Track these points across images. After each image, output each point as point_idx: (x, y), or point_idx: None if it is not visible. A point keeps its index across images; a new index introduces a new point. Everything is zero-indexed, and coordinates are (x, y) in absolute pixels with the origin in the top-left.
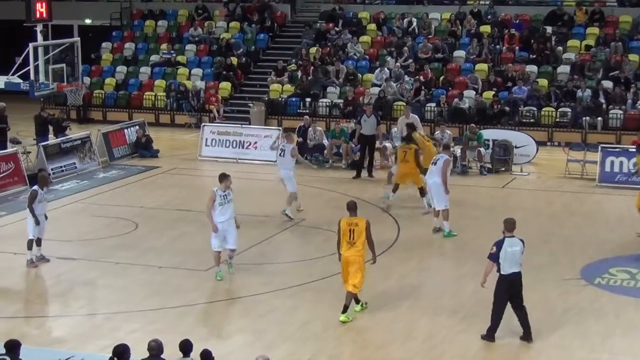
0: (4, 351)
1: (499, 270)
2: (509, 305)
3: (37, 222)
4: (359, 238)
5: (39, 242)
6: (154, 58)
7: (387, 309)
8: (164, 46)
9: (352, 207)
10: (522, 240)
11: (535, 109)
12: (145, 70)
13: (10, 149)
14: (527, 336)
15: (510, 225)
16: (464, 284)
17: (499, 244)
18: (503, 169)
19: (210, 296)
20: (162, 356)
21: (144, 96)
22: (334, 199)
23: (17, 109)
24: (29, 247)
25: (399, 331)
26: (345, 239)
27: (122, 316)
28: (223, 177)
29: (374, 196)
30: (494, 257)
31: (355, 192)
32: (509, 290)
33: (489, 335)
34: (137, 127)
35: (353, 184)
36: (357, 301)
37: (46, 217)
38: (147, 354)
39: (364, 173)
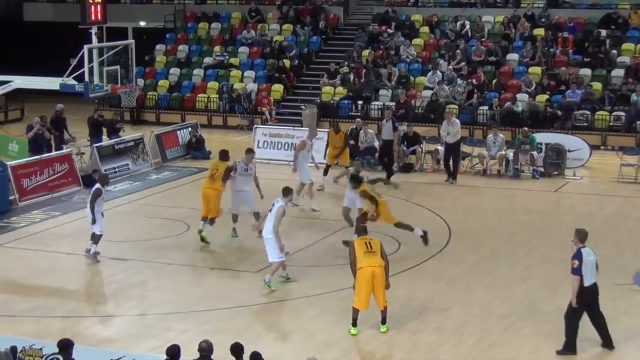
0: (56, 350)
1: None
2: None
3: (94, 221)
4: (378, 249)
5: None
6: (207, 60)
7: (436, 312)
8: (217, 48)
9: (362, 230)
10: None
11: (588, 112)
12: (198, 72)
13: (64, 150)
14: (608, 343)
15: (583, 236)
16: (514, 288)
17: (580, 257)
18: (556, 172)
19: (261, 297)
20: (212, 357)
21: (197, 98)
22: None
23: (71, 111)
24: (96, 242)
25: (449, 334)
26: (363, 250)
27: (173, 317)
28: (249, 151)
29: (424, 198)
30: (579, 271)
31: (406, 195)
32: (588, 301)
33: (569, 348)
34: (190, 128)
35: (403, 187)
36: (384, 321)
37: (102, 215)
38: (197, 355)
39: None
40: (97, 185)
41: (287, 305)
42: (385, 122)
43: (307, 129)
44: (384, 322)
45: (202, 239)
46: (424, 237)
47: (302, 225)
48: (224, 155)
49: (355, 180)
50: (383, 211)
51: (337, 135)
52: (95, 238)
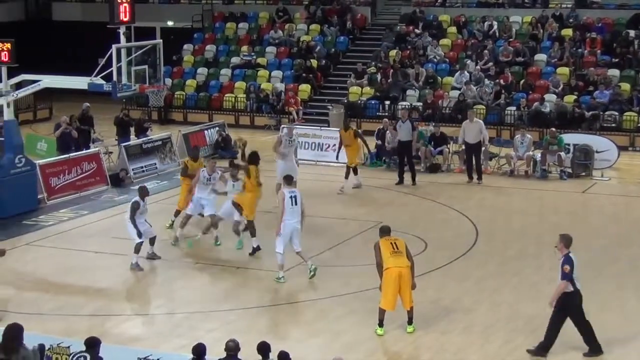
0: (84, 348)
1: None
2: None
3: (140, 235)
4: (404, 249)
5: (152, 240)
6: (235, 60)
7: (464, 312)
8: (244, 48)
9: (386, 231)
10: None
11: (617, 113)
12: (225, 72)
13: (92, 149)
14: (595, 350)
15: (568, 242)
16: (541, 289)
17: (570, 262)
18: (583, 173)
19: (288, 297)
20: (238, 356)
21: (224, 98)
22: (410, 202)
23: (100, 110)
24: (136, 251)
25: (476, 335)
26: (389, 251)
27: (200, 316)
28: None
29: (450, 199)
30: (570, 277)
31: (433, 196)
32: (578, 304)
33: (543, 352)
34: (217, 128)
35: (428, 188)
36: (411, 321)
37: (149, 225)
38: (224, 354)
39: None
40: (136, 198)
41: (313, 305)
42: (402, 122)
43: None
44: (410, 322)
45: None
46: (254, 251)
47: (327, 225)
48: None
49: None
50: (247, 199)
51: (347, 132)
52: (136, 247)
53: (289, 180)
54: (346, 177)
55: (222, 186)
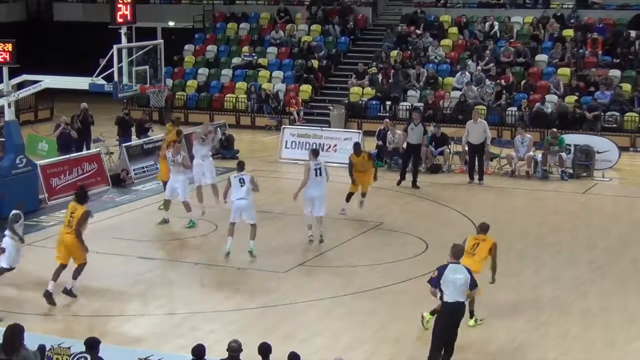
0: (84, 349)
1: (441, 297)
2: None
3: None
4: (481, 252)
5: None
6: (236, 60)
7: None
8: (245, 49)
9: (483, 228)
10: (468, 271)
11: (618, 114)
12: (226, 72)
13: (93, 150)
14: None
15: (458, 252)
16: (542, 289)
17: (441, 269)
18: (584, 174)
19: (289, 297)
20: (240, 357)
21: (225, 98)
22: (411, 203)
23: (101, 110)
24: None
25: (476, 336)
26: (467, 250)
27: (201, 316)
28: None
29: (451, 199)
30: (433, 282)
31: (434, 196)
32: (448, 317)
33: None
34: (218, 128)
35: (429, 188)
36: (472, 315)
37: None
38: (225, 355)
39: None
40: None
41: (314, 305)
42: (415, 125)
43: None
44: (471, 315)
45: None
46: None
47: (328, 225)
48: None
49: None
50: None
51: (360, 157)
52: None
53: (315, 153)
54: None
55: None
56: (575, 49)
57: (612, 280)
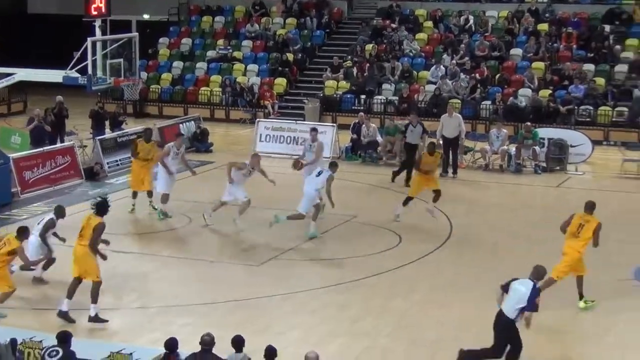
0: (55, 342)
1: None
2: None
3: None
4: (585, 233)
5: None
6: (211, 54)
7: (437, 307)
8: (220, 42)
9: (589, 207)
10: (534, 292)
11: (591, 108)
12: (201, 65)
13: (66, 143)
14: None
15: (536, 273)
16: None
17: (514, 279)
18: (558, 168)
19: (263, 291)
20: (212, 351)
21: (200, 91)
22: (386, 196)
23: (74, 103)
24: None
25: (450, 330)
26: (572, 231)
27: (175, 310)
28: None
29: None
30: (504, 288)
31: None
32: (495, 327)
33: None
34: (193, 122)
35: (404, 182)
36: (581, 296)
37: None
38: (198, 348)
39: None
40: (52, 216)
41: (288, 298)
42: (414, 127)
43: None
44: (580, 297)
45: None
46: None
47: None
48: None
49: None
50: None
51: (433, 157)
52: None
53: (332, 166)
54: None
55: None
56: (550, 43)
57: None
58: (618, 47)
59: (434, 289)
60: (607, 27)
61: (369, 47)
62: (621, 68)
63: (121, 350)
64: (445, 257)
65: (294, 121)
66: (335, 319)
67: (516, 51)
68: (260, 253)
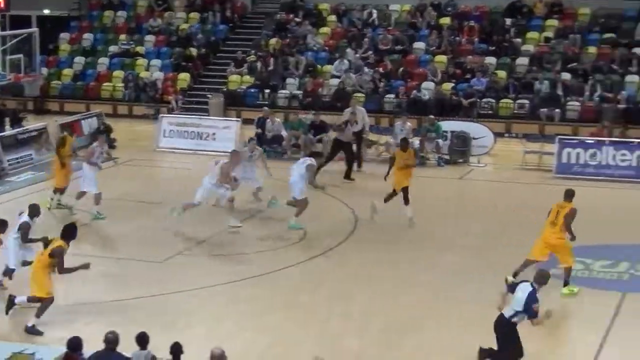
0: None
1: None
2: None
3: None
4: (561, 220)
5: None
6: (113, 49)
7: (344, 299)
8: (122, 37)
9: (568, 195)
10: (530, 298)
11: (493, 100)
12: (103, 61)
13: None
14: None
15: (537, 277)
16: (420, 276)
17: (520, 283)
18: (461, 160)
19: (168, 287)
20: (117, 349)
21: (102, 87)
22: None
23: None
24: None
25: (353, 316)
26: (550, 219)
27: (78, 308)
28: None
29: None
30: (510, 288)
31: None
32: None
33: None
34: (95, 118)
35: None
36: (566, 283)
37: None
38: (102, 346)
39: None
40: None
41: (194, 294)
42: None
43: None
44: (565, 284)
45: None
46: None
47: (208, 214)
48: None
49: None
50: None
51: (407, 153)
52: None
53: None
54: (406, 202)
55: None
56: (452, 37)
57: (487, 266)
58: (519, 40)
59: (339, 282)
60: (508, 21)
61: (272, 41)
62: (522, 61)
63: (23, 351)
64: (350, 251)
65: (199, 116)
66: (241, 314)
67: (419, 45)
68: (166, 249)
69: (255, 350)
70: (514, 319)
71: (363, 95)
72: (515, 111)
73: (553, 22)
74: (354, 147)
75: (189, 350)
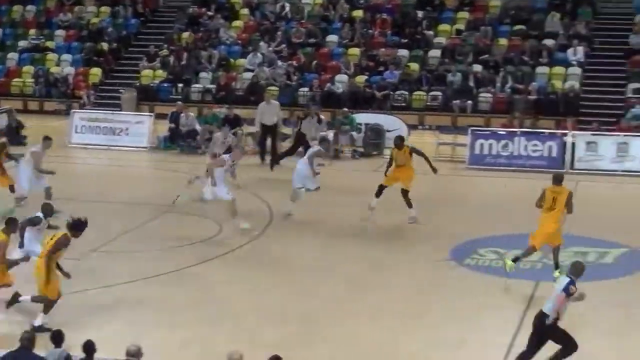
0: None
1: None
2: None
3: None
4: (560, 205)
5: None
6: (22, 44)
7: (257, 295)
8: (32, 31)
9: (558, 179)
10: (567, 286)
11: (406, 92)
12: (12, 56)
13: None
14: None
15: (572, 269)
16: (337, 268)
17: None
18: (375, 152)
19: (82, 284)
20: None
21: (12, 83)
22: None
23: None
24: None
25: (269, 309)
26: (547, 206)
27: None
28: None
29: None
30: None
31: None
32: (534, 326)
33: None
34: (5, 114)
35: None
36: (557, 266)
37: None
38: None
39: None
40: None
41: (107, 292)
42: (311, 118)
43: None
44: (556, 267)
45: None
46: None
47: (120, 210)
48: None
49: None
50: None
51: (402, 151)
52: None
53: (322, 141)
54: (378, 195)
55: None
56: (365, 30)
57: (402, 255)
58: (431, 32)
59: (255, 276)
60: (420, 13)
61: (185, 35)
62: (434, 53)
63: None
64: (265, 244)
65: (111, 112)
66: (156, 310)
67: (332, 38)
68: (79, 246)
69: (171, 346)
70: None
71: (277, 88)
72: (428, 103)
73: (464, 15)
74: (269, 141)
75: (103, 348)
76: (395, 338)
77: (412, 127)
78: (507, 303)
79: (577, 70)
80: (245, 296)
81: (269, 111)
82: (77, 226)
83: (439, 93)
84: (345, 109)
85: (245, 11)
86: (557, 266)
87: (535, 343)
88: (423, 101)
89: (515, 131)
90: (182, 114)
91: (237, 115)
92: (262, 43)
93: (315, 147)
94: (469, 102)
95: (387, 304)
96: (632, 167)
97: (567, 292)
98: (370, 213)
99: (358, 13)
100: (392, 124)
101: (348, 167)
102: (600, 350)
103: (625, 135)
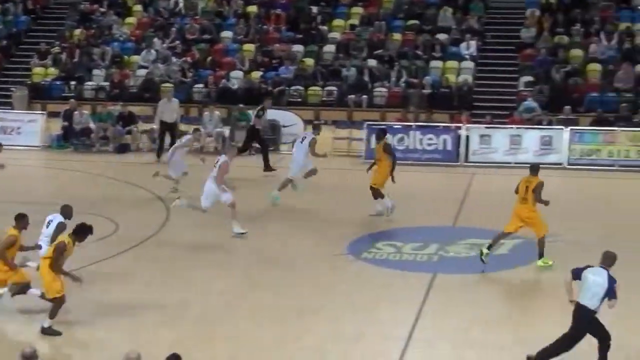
0: None
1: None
2: None
3: None
4: (530, 195)
5: None
6: None
7: (160, 293)
8: None
9: (534, 169)
10: (610, 281)
11: (302, 88)
12: None
13: None
14: None
15: (605, 258)
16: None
17: (586, 267)
18: (271, 148)
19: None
20: None
21: None
22: (100, 183)
23: None
24: None
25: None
26: (521, 195)
27: None
28: None
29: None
30: (576, 272)
31: (123, 176)
32: (574, 321)
33: None
34: None
35: (118, 168)
36: (541, 256)
37: None
38: None
39: None
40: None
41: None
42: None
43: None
44: (540, 256)
45: None
46: None
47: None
48: None
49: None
50: None
51: (378, 145)
52: None
53: (315, 128)
54: (375, 197)
55: None
56: (259, 25)
57: (300, 250)
58: (325, 28)
59: (152, 275)
60: (315, 9)
61: (77, 32)
62: (329, 48)
63: None
64: (162, 242)
65: (2, 110)
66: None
67: (226, 34)
68: None
69: (67, 348)
70: (600, 309)
71: (172, 85)
72: (324, 98)
73: (358, 10)
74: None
75: None
76: (294, 333)
77: (308, 122)
78: (405, 296)
79: (470, 64)
80: (142, 295)
81: (169, 109)
82: (81, 231)
83: (334, 88)
84: (241, 105)
85: (139, 7)
86: (541, 256)
87: (581, 336)
88: (318, 96)
89: (410, 125)
90: (76, 112)
91: (132, 113)
92: (155, 39)
93: (310, 135)
94: (364, 96)
95: (284, 300)
96: (525, 159)
97: (614, 295)
98: (388, 213)
99: (252, 9)
100: (288, 119)
101: (246, 162)
102: (501, 340)
103: (518, 128)
